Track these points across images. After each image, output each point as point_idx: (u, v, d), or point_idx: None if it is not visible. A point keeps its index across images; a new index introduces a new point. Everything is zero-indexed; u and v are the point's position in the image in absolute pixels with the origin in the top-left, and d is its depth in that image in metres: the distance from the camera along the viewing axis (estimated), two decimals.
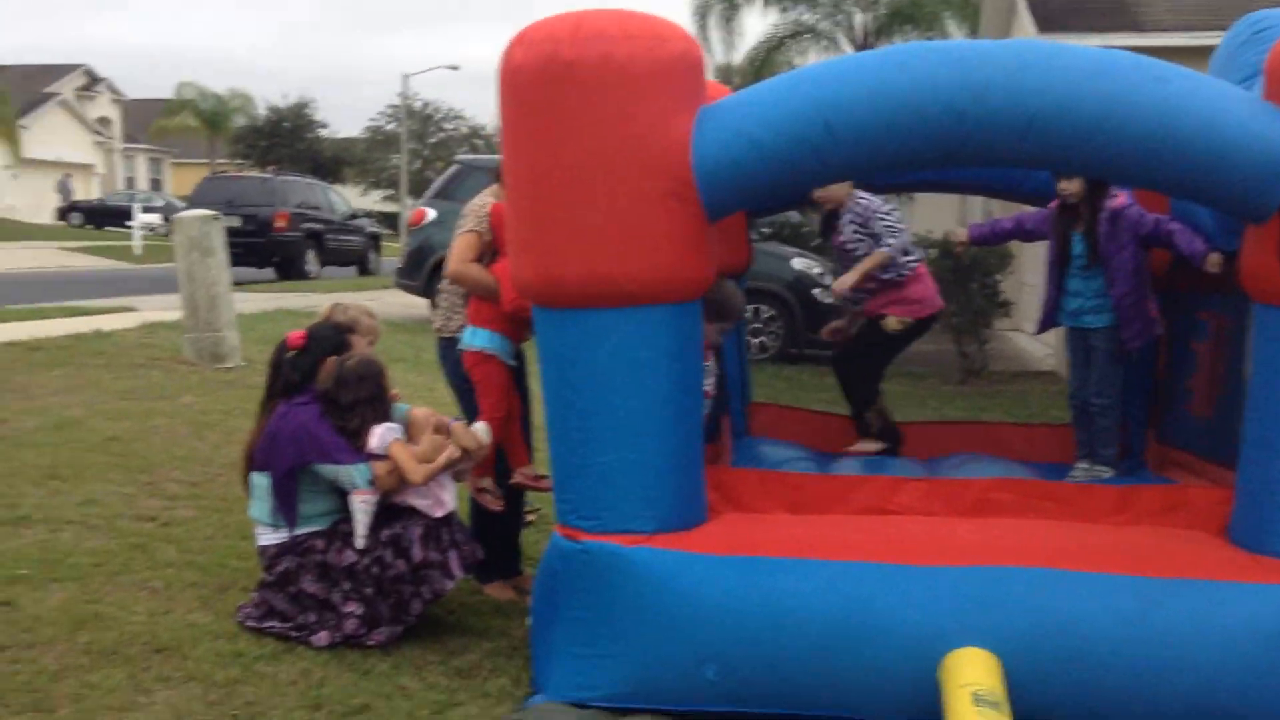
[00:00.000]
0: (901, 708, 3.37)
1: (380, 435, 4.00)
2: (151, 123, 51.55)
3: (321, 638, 3.94)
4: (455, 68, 51.58)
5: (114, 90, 53.13)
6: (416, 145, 60.01)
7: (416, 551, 3.97)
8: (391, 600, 3.98)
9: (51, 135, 45.78)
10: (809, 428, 5.69)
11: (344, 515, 4.05)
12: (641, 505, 3.57)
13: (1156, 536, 3.56)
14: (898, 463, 5.05)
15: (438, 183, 13.90)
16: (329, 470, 3.96)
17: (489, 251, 4.64)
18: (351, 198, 29.68)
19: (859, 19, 24.16)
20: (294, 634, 3.97)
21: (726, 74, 38.38)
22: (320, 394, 4.06)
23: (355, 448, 3.98)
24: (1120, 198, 4.75)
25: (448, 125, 69.48)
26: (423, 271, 13.11)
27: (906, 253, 5.47)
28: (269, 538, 4.06)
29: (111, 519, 5.04)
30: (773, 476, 4.25)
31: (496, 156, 13.94)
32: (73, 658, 3.65)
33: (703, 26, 24.08)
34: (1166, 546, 3.48)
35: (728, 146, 3.41)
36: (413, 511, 4.03)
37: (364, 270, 24.86)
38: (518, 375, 4.64)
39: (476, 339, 4.49)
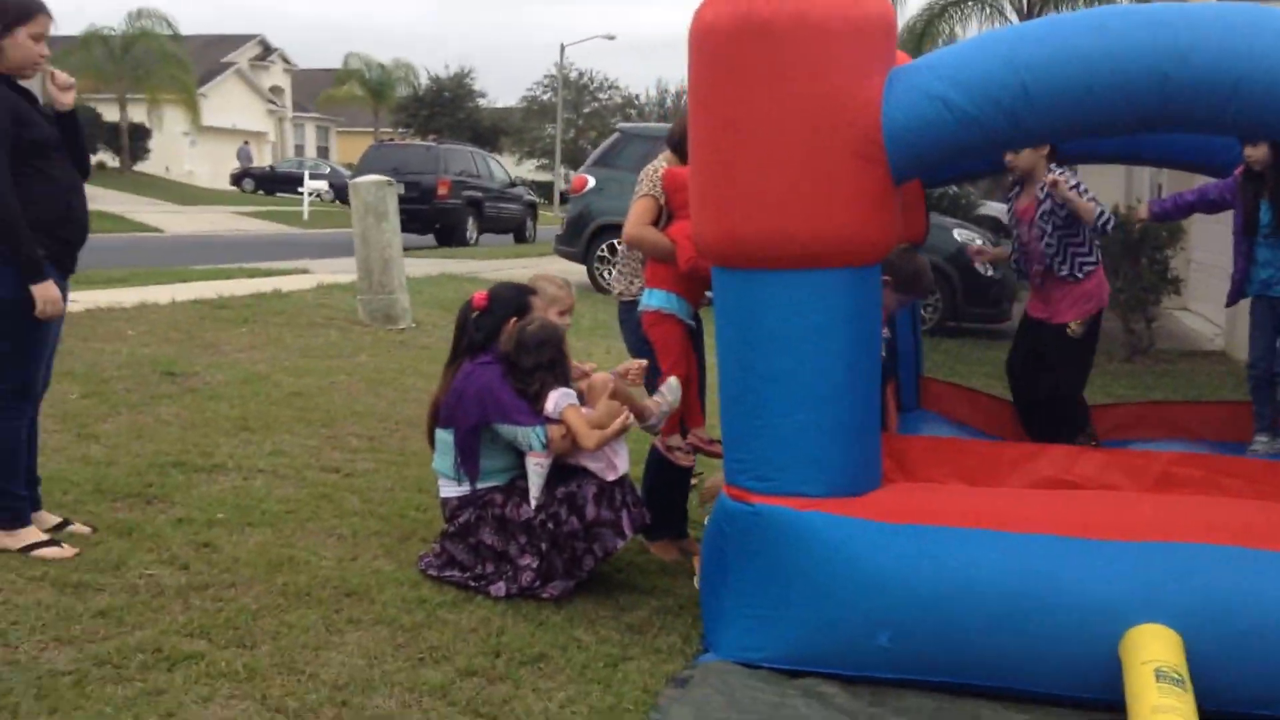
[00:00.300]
0: (1080, 683, 3.32)
1: (555, 400, 4.09)
2: (320, 92, 53.29)
3: (499, 588, 4.07)
4: (612, 37, 51.93)
5: (286, 60, 55.01)
6: (571, 115, 60.67)
7: (590, 510, 4.07)
8: (565, 555, 4.08)
9: (227, 103, 47.70)
10: (979, 409, 5.59)
11: (522, 472, 4.17)
12: (815, 469, 3.58)
13: None
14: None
15: (598, 150, 14.04)
16: (508, 430, 4.08)
17: (664, 215, 4.71)
18: (507, 166, 30.23)
19: None
20: (472, 583, 4.11)
21: None
22: (502, 356, 4.18)
23: (534, 410, 4.08)
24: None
25: (602, 95, 70.08)
26: (582, 238, 13.30)
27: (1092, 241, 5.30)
28: (451, 490, 4.21)
29: (299, 469, 5.29)
30: (947, 444, 4.21)
31: (657, 124, 14.18)
32: (270, 598, 3.85)
33: None
34: None
35: (919, 108, 3.38)
36: (588, 471, 4.13)
37: (521, 238, 25.31)
38: (695, 338, 4.70)
39: (654, 299, 4.57)
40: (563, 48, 52.03)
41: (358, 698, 3.25)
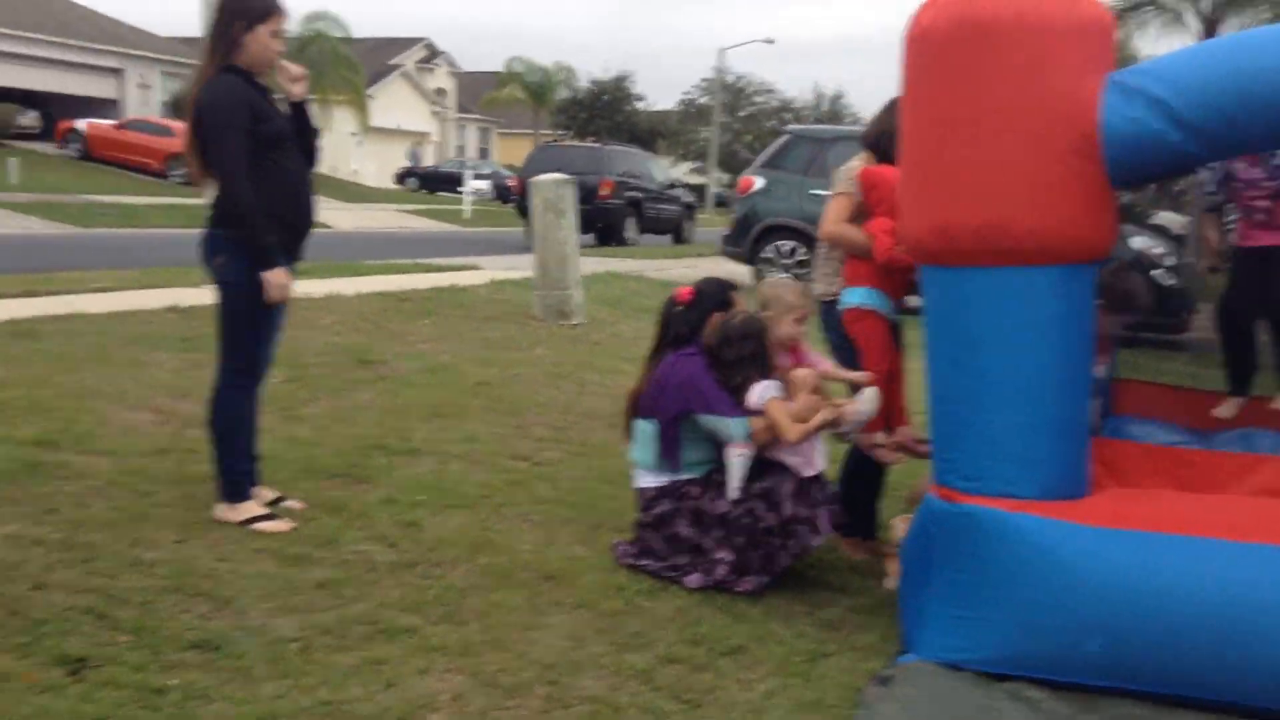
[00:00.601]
0: None
1: (759, 392, 4.11)
2: (482, 95, 54.43)
3: (694, 579, 4.10)
4: (770, 41, 51.91)
5: (451, 63, 56.41)
6: (727, 118, 60.71)
7: (787, 506, 4.07)
8: (761, 551, 4.09)
9: (393, 104, 49.13)
10: (1179, 403, 5.41)
11: (719, 465, 4.20)
12: (1026, 470, 3.51)
13: None
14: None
15: (766, 152, 14.05)
16: (710, 421, 4.11)
17: (860, 213, 4.70)
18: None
19: None
20: (667, 573, 4.15)
21: None
22: (706, 348, 4.22)
23: (736, 402, 4.11)
24: None
25: (758, 99, 69.91)
26: (749, 239, 13.32)
27: None
28: (648, 480, 4.27)
29: (491, 456, 5.43)
30: (1160, 451, 4.09)
31: (826, 127, 14.16)
32: (475, 578, 3.97)
33: None
34: None
35: (1137, 111, 3.29)
36: (785, 467, 4.14)
37: (679, 239, 25.43)
38: (895, 334, 4.67)
39: (854, 296, 4.55)
40: (721, 51, 51.92)
41: (566, 678, 3.32)
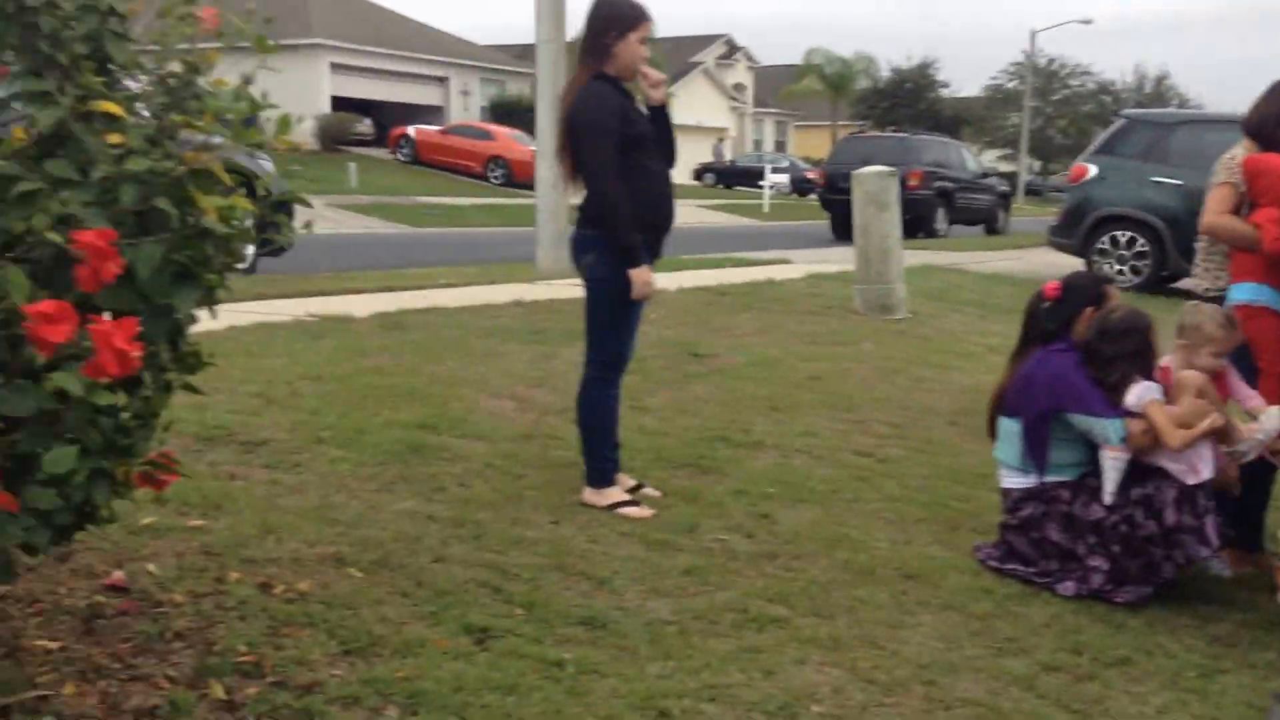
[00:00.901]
0: None
1: (1138, 393, 3.88)
2: (780, 88, 54.52)
3: (1067, 587, 3.92)
4: (1088, 21, 49.29)
5: (750, 58, 56.82)
6: (1039, 103, 58.23)
7: (1170, 515, 3.82)
8: (1140, 560, 3.87)
9: (693, 101, 49.89)
10: None
11: (1092, 469, 4.00)
12: None
13: None
14: None
15: (1101, 138, 13.36)
16: (1082, 421, 3.92)
17: (1244, 203, 4.39)
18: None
19: None
20: (1036, 579, 3.99)
21: None
22: (1081, 344, 4.02)
23: (1112, 401, 3.90)
24: None
25: (1073, 82, 66.67)
26: (1081, 229, 12.73)
27: None
28: (1014, 481, 4.12)
29: (832, 451, 5.39)
30: None
31: (1167, 110, 13.32)
32: (835, 573, 3.93)
33: None
34: None
35: None
36: (1164, 473, 3.89)
37: (991, 230, 24.60)
38: None
39: (1242, 293, 4.24)
40: (1033, 34, 49.82)
41: (944, 679, 3.24)
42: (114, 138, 2.03)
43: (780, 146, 60.90)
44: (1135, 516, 3.85)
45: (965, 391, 6.77)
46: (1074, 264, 13.28)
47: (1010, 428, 4.12)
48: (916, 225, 21.79)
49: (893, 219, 9.27)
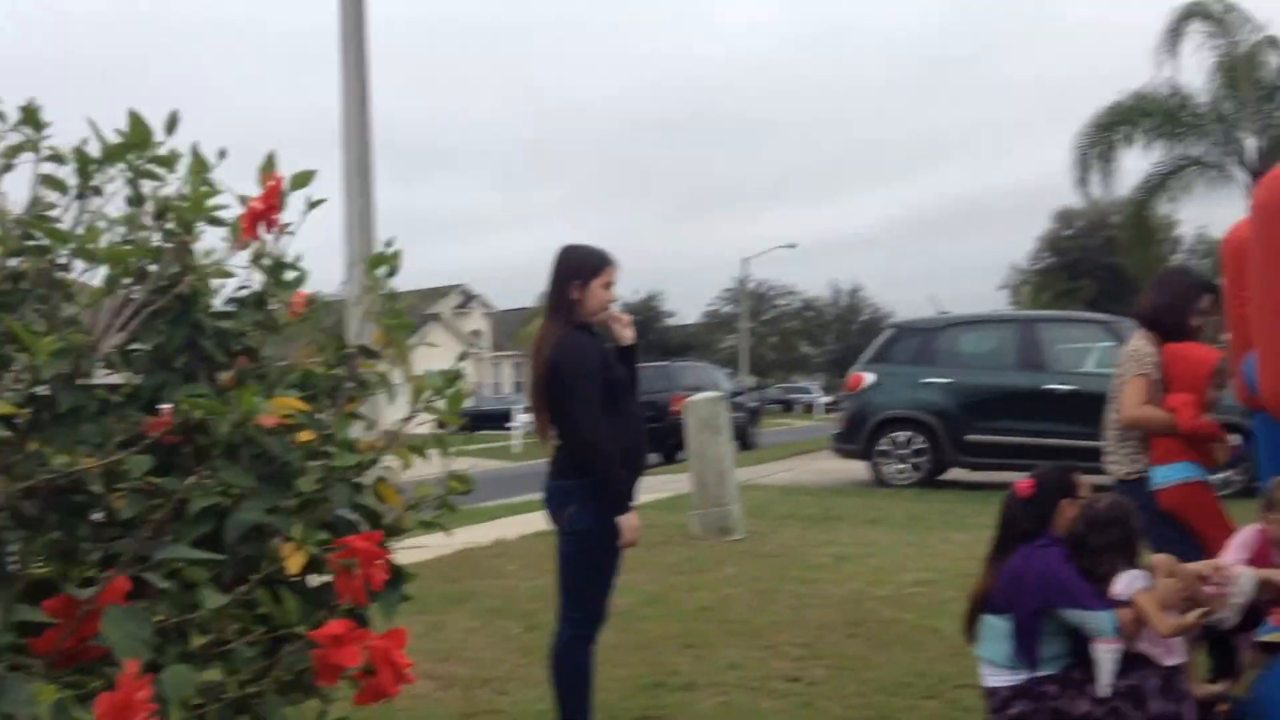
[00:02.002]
0: None
1: (1126, 582, 4.02)
2: (516, 331, 55.68)
3: None
4: (793, 246, 53.32)
5: (485, 304, 57.91)
6: (753, 323, 61.89)
7: (1154, 704, 3.95)
8: None
9: (430, 351, 50.15)
10: None
11: (1075, 660, 4.11)
12: None
13: None
14: None
15: (873, 347, 14.29)
16: (1075, 615, 4.02)
17: (1158, 391, 4.85)
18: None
19: (1251, 144, 23.32)
20: None
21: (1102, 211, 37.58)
22: (1067, 536, 4.18)
23: (1101, 594, 4.04)
24: None
25: (780, 301, 71.50)
26: (863, 433, 13.44)
27: None
28: (1001, 679, 4.17)
29: (762, 681, 5.35)
30: None
31: (928, 317, 14.25)
32: None
33: (1084, 167, 23.92)
34: None
35: None
36: (1146, 659, 4.04)
37: (745, 445, 25.55)
38: None
39: (1176, 473, 4.60)
40: (744, 260, 53.34)
41: None
42: (303, 436, 1.91)
43: (519, 387, 61.77)
44: (1121, 708, 3.96)
45: (845, 602, 6.91)
46: (858, 467, 14.01)
47: (998, 626, 4.18)
48: (678, 449, 22.43)
49: (726, 442, 9.55)
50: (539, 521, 10.76)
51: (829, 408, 56.84)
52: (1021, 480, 4.30)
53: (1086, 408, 12.46)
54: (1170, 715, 3.95)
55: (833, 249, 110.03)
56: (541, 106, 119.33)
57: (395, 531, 2.25)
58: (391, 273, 2.32)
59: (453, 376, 2.24)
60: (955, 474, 13.78)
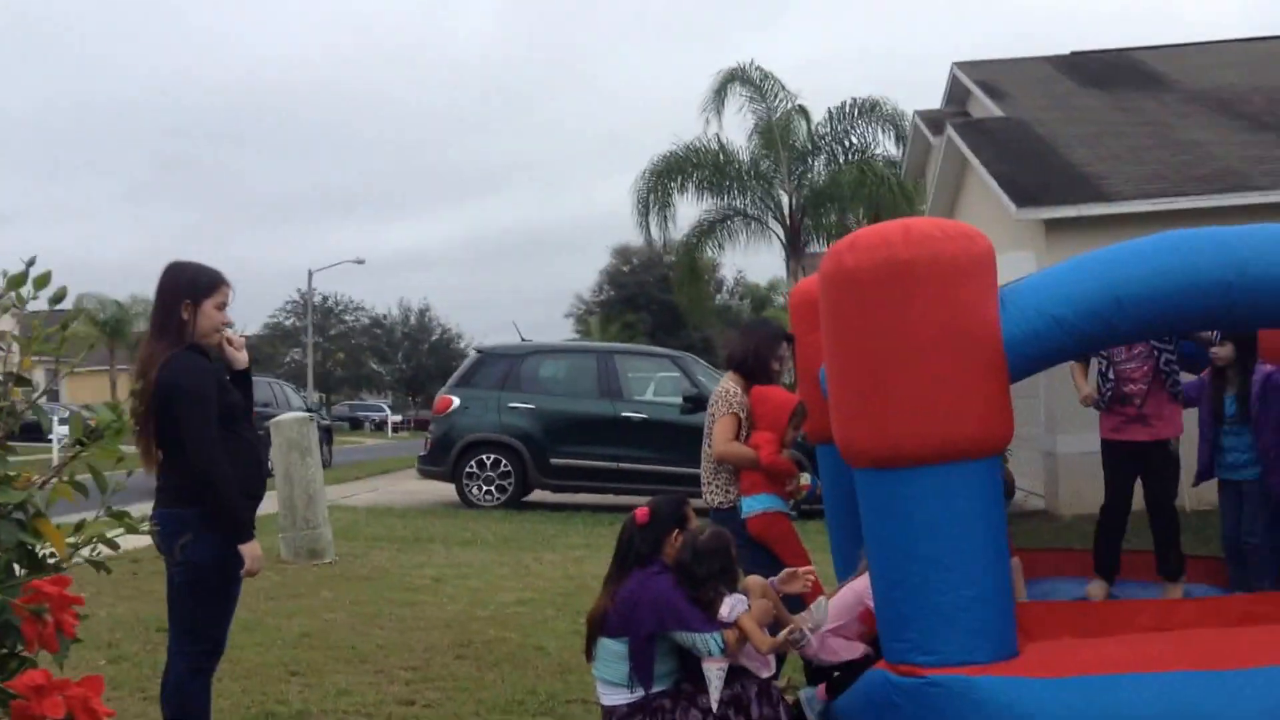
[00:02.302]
0: None
1: (731, 605, 4.37)
2: (42, 333, 50.99)
3: None
4: (361, 261, 52.67)
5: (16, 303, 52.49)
6: (319, 338, 60.45)
7: (755, 709, 4.36)
8: None
9: None
10: (1069, 561, 6.19)
11: (684, 675, 4.44)
12: (978, 638, 4.05)
13: None
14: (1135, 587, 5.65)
15: (459, 371, 14.46)
16: (685, 637, 4.33)
17: (747, 428, 5.32)
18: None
19: (786, 200, 25.74)
20: None
21: (657, 253, 39.96)
22: (674, 565, 4.47)
23: (709, 617, 4.37)
24: (1268, 365, 5.54)
25: (348, 317, 70.22)
26: (450, 456, 13.57)
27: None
28: (618, 698, 4.42)
29: (377, 706, 5.33)
30: (1060, 606, 4.77)
31: (514, 344, 14.53)
32: None
33: (644, 212, 25.33)
34: None
35: (1033, 323, 4.04)
36: (746, 671, 4.43)
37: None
38: None
39: (759, 503, 5.06)
40: (310, 273, 51.93)
41: None
42: None
43: (55, 395, 56.53)
44: (729, 715, 4.34)
45: (450, 624, 6.99)
46: (443, 488, 14.10)
47: (614, 648, 4.42)
48: None
49: (316, 463, 9.31)
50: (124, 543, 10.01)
51: (399, 426, 56.70)
52: (640, 508, 4.57)
53: (657, 434, 13.44)
54: (770, 718, 4.37)
55: (402, 267, 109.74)
56: (84, 100, 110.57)
57: (55, 570, 2.08)
58: None
59: (118, 409, 2.02)
60: (538, 495, 14.22)
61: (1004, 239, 12.36)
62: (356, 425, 56.87)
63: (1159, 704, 3.92)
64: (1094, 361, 6.12)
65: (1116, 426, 6.10)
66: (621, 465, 13.40)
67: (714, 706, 4.33)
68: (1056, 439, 12.27)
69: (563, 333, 64.68)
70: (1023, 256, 12.92)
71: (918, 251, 4.01)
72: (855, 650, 4.63)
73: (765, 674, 4.44)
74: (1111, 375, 5.99)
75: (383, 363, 73.45)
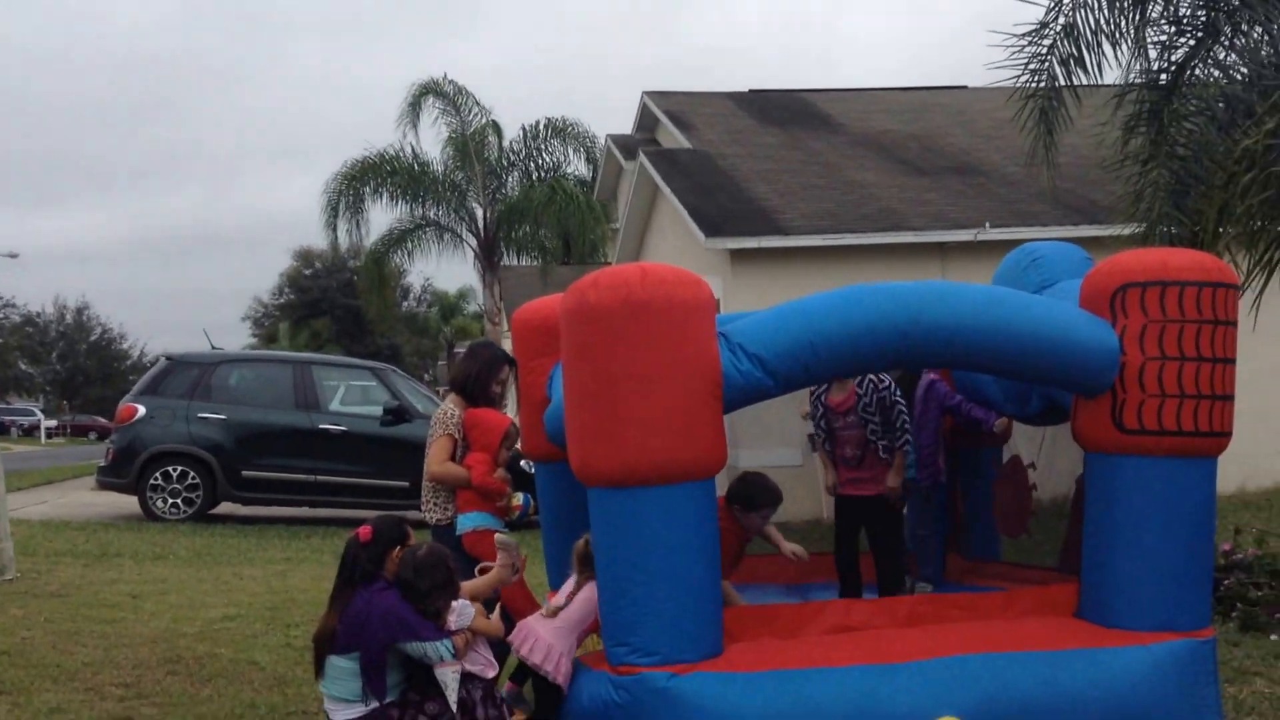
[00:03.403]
0: None
1: (460, 611, 4.65)
2: None
3: None
4: (14, 256, 48.95)
5: None
6: None
7: (479, 710, 4.65)
8: None
9: None
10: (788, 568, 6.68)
11: (410, 685, 4.66)
12: (691, 640, 4.52)
13: (1044, 622, 5.00)
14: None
15: (146, 378, 13.90)
16: (417, 648, 4.56)
17: (463, 448, 5.64)
18: None
19: (480, 213, 26.03)
20: None
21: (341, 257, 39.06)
22: (397, 581, 4.68)
23: (437, 625, 4.60)
24: (930, 374, 6.37)
25: None
26: (133, 467, 13.08)
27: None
28: (347, 713, 4.58)
29: None
30: (754, 609, 5.28)
31: (205, 352, 14.20)
32: None
33: (334, 216, 24.93)
34: (1053, 628, 4.93)
35: (742, 363, 4.58)
36: (472, 675, 4.72)
37: None
38: None
39: (470, 520, 5.43)
40: None
41: None
42: None
43: None
44: (457, 717, 4.61)
45: (156, 640, 6.87)
46: (124, 500, 13.50)
47: (343, 665, 4.57)
48: None
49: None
50: None
51: (53, 432, 52.72)
52: (362, 527, 4.76)
53: (356, 447, 13.40)
54: (495, 718, 4.69)
55: (57, 262, 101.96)
56: None
57: None
58: None
59: None
60: (227, 508, 13.85)
61: (693, 265, 13.14)
62: (2, 430, 52.49)
63: (839, 693, 4.53)
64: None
65: (842, 483, 6.52)
66: (319, 478, 13.28)
67: (454, 707, 4.60)
68: (739, 453, 13.18)
69: (240, 336, 62.20)
70: (711, 282, 13.82)
71: (654, 293, 4.44)
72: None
73: (491, 674, 4.76)
74: (822, 402, 6.51)
75: (35, 364, 68.06)
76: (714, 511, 4.69)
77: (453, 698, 4.61)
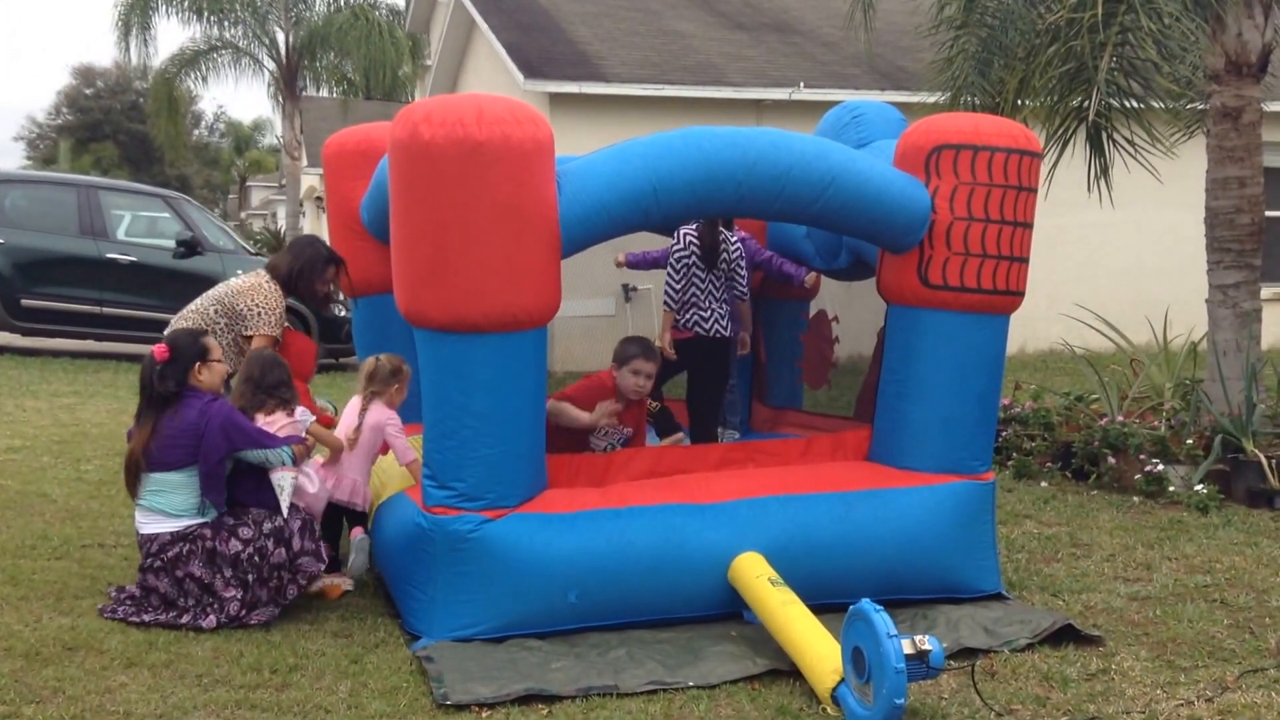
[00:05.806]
0: (705, 604, 4.69)
1: (300, 415, 4.83)
2: None
3: (209, 620, 4.46)
4: None
5: None
6: None
7: (296, 542, 4.62)
8: (271, 585, 4.58)
9: None
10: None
11: (227, 509, 4.64)
12: (512, 485, 4.51)
13: (840, 466, 5.23)
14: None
15: None
16: (257, 455, 4.61)
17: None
18: None
19: (282, 37, 24.67)
20: (178, 621, 4.45)
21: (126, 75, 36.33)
22: (243, 378, 4.77)
23: (273, 433, 4.71)
24: (740, 230, 6.44)
25: None
26: None
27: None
28: (161, 526, 4.54)
29: None
30: (568, 458, 5.27)
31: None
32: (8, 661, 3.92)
33: (125, 33, 23.20)
34: (848, 471, 5.15)
35: (582, 207, 4.49)
36: (295, 507, 4.74)
37: None
38: None
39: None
40: None
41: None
42: None
43: None
44: (267, 547, 4.55)
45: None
46: None
47: (170, 479, 4.54)
48: None
49: None
50: None
51: None
52: (157, 345, 4.64)
53: (147, 278, 12.74)
54: (310, 551, 4.66)
55: None
56: None
57: None
58: None
59: None
60: (5, 339, 13.06)
61: None
62: None
63: (650, 529, 4.65)
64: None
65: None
66: (105, 310, 12.62)
67: (284, 511, 4.65)
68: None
69: (13, 158, 57.96)
70: None
71: (491, 132, 4.24)
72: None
73: (340, 496, 5.05)
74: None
75: None
76: (543, 359, 4.64)
77: (284, 501, 4.66)
